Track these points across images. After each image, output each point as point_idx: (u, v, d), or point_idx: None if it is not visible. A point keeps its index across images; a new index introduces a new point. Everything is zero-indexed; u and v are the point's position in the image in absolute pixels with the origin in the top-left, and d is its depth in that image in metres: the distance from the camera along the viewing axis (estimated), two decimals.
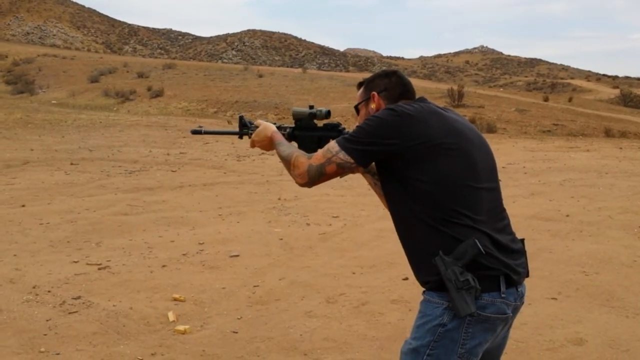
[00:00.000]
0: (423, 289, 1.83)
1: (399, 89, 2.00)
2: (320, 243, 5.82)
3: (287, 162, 1.95)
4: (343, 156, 1.82)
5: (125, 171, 10.25)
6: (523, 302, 1.85)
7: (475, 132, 1.92)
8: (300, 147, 2.14)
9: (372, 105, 1.99)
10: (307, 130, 2.20)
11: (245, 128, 2.30)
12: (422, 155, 1.75)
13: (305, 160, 1.89)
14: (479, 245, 1.69)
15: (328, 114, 2.20)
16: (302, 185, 1.91)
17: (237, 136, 2.34)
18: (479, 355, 1.77)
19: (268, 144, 2.13)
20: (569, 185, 9.39)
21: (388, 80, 2.01)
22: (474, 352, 1.75)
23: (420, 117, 1.80)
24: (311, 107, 2.20)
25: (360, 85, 2.10)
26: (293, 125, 2.23)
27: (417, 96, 1.99)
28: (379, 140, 1.78)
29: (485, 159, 1.88)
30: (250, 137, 2.23)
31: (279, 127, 2.19)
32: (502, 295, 1.74)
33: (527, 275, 1.88)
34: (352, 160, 1.81)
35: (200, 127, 2.81)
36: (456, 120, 1.87)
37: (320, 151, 1.88)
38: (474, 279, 1.67)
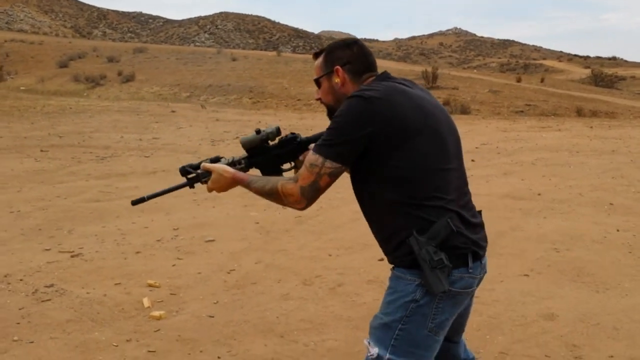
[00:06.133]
0: (392, 265, 1.85)
1: (363, 61, 1.93)
2: (297, 226, 5.82)
3: (275, 195, 1.85)
4: (330, 164, 1.76)
5: (97, 157, 10.10)
6: (486, 272, 1.89)
7: (440, 108, 1.90)
8: (263, 173, 2.05)
9: (337, 80, 1.92)
10: (263, 154, 2.09)
11: (189, 175, 2.12)
12: (395, 138, 1.74)
13: (293, 185, 1.80)
14: (451, 225, 1.73)
15: (278, 131, 2.09)
16: (302, 209, 1.84)
17: (188, 187, 2.16)
18: (446, 328, 1.83)
19: (229, 186, 2.01)
20: (541, 164, 9.52)
21: (350, 52, 1.93)
22: (442, 325, 1.80)
23: (390, 99, 1.76)
24: (257, 131, 2.07)
25: (317, 55, 2.01)
26: (245, 155, 2.10)
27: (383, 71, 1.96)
28: (355, 133, 1.73)
29: (453, 136, 1.89)
30: (203, 184, 2.09)
31: (231, 163, 2.07)
32: (470, 271, 1.79)
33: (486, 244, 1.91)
34: (339, 165, 1.77)
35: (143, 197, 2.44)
36: (423, 99, 1.85)
37: (303, 169, 1.80)
38: (447, 257, 1.71)
